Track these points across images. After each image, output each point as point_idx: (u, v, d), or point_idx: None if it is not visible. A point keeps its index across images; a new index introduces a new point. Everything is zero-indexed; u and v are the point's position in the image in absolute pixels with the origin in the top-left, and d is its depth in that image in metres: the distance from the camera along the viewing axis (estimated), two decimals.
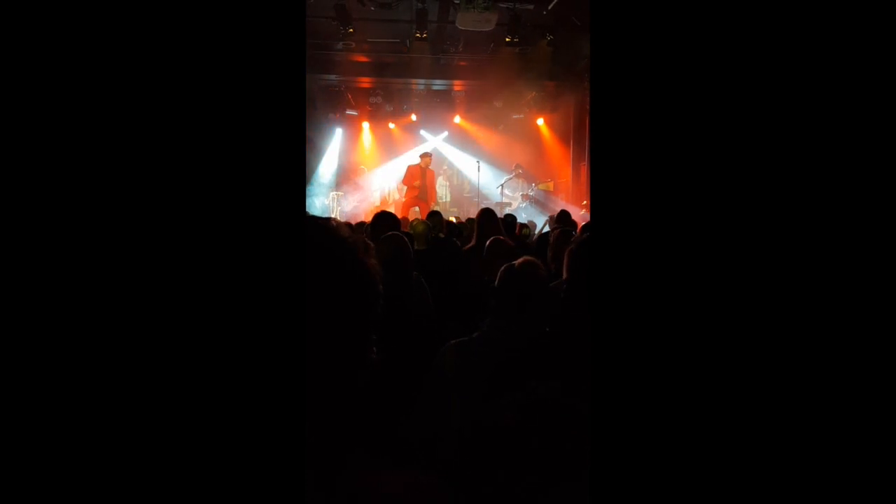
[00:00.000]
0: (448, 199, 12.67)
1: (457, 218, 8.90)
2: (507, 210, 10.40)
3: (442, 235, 4.82)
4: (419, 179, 11.05)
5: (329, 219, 0.92)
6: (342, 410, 0.86)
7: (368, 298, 0.87)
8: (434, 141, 13.10)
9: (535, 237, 5.85)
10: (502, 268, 2.14)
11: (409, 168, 11.45)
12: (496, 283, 2.12)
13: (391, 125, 12.83)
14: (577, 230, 4.44)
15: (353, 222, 6.13)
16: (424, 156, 11.31)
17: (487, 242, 3.46)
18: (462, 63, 11.07)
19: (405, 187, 11.31)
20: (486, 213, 4.40)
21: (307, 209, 0.95)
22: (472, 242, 4.19)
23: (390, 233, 3.04)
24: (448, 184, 12.92)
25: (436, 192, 11.62)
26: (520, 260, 2.16)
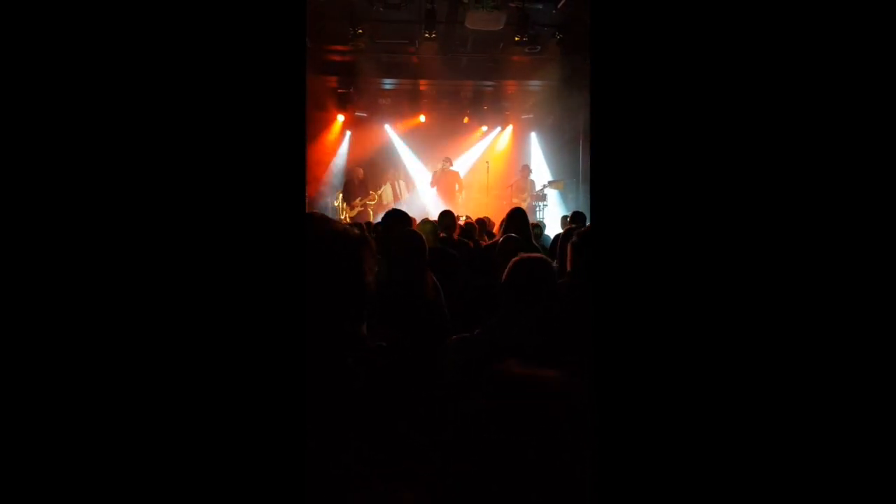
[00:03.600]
0: (461, 201, 12.70)
1: (467, 217, 8.90)
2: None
3: (455, 237, 4.81)
4: (442, 182, 11.39)
5: (324, 216, 0.92)
6: (337, 405, 0.85)
7: (356, 291, 0.86)
8: (443, 141, 13.10)
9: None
10: (511, 262, 2.11)
11: (434, 172, 12.01)
12: (504, 278, 2.09)
13: (399, 126, 12.86)
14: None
15: (362, 222, 6.13)
16: (445, 160, 11.82)
17: (500, 241, 3.45)
18: (471, 63, 11.07)
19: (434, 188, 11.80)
20: (516, 213, 4.34)
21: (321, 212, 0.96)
22: (496, 239, 4.18)
23: (406, 229, 3.03)
24: (459, 185, 12.95)
25: (454, 193, 11.91)
26: (529, 255, 2.14)
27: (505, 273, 2.10)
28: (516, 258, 2.13)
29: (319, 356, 0.86)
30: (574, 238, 2.63)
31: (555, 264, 3.35)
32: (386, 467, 0.88)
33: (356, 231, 0.92)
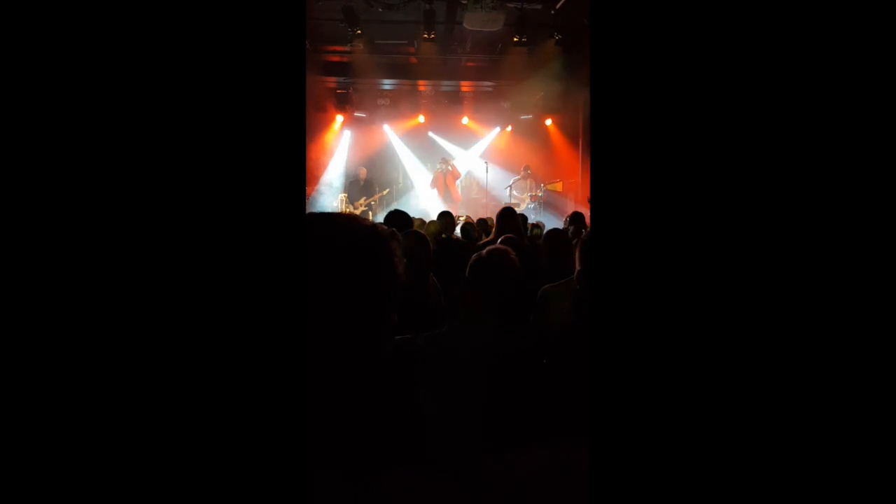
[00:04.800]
0: (460, 192, 12.76)
1: (467, 217, 8.93)
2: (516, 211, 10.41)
3: (455, 237, 4.83)
4: (441, 183, 11.56)
5: (350, 214, 0.93)
6: (355, 402, 0.85)
7: (390, 285, 0.87)
8: (442, 142, 13.13)
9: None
10: (471, 259, 2.11)
11: (435, 173, 12.25)
12: (466, 273, 2.09)
13: (399, 126, 12.88)
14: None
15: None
16: (442, 161, 12.08)
17: (499, 240, 3.46)
18: (470, 64, 11.09)
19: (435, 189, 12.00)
20: (506, 212, 4.45)
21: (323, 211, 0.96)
22: (491, 237, 4.22)
23: (410, 230, 3.03)
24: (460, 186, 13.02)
25: (457, 192, 12.10)
26: (487, 249, 2.14)
27: (467, 269, 2.10)
28: (475, 255, 2.12)
29: (349, 349, 0.86)
30: (584, 238, 2.65)
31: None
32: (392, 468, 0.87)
33: (384, 226, 0.93)
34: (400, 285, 0.89)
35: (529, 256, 3.51)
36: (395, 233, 0.92)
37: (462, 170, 12.72)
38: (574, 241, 2.75)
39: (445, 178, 12.06)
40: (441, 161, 12.16)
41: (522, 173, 12.21)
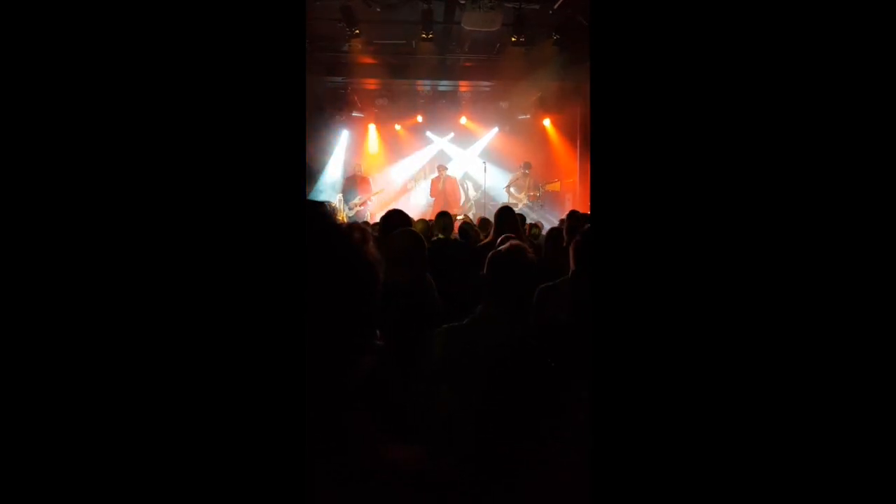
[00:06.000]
0: (467, 205, 12.79)
1: (465, 217, 8.93)
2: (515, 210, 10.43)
3: (453, 237, 4.83)
4: (440, 189, 11.53)
5: (323, 203, 0.91)
6: (347, 392, 0.86)
7: (364, 284, 0.86)
8: (440, 143, 13.12)
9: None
10: (489, 255, 2.14)
11: (432, 181, 12.33)
12: (484, 270, 2.12)
13: (397, 126, 12.87)
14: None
15: (360, 221, 6.13)
16: (439, 167, 12.23)
17: (498, 241, 3.46)
18: (468, 64, 11.09)
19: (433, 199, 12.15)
20: (504, 211, 4.47)
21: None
22: (490, 238, 4.23)
23: (404, 228, 3.01)
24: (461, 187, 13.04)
25: (458, 198, 12.13)
26: (505, 245, 2.16)
27: (485, 266, 2.13)
28: (493, 252, 2.15)
29: (336, 348, 0.86)
30: (577, 237, 2.66)
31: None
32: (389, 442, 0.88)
33: (363, 226, 0.93)
34: (376, 275, 0.89)
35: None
36: (359, 225, 0.92)
37: (458, 175, 12.73)
38: (569, 241, 2.77)
39: (444, 186, 12.07)
40: (438, 167, 12.21)
41: (521, 170, 12.19)
